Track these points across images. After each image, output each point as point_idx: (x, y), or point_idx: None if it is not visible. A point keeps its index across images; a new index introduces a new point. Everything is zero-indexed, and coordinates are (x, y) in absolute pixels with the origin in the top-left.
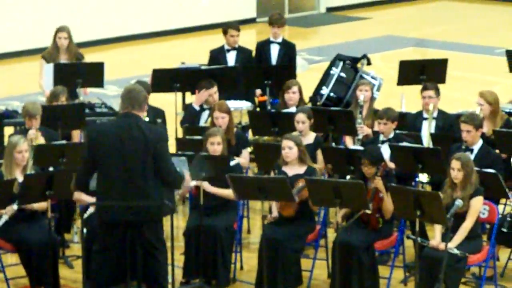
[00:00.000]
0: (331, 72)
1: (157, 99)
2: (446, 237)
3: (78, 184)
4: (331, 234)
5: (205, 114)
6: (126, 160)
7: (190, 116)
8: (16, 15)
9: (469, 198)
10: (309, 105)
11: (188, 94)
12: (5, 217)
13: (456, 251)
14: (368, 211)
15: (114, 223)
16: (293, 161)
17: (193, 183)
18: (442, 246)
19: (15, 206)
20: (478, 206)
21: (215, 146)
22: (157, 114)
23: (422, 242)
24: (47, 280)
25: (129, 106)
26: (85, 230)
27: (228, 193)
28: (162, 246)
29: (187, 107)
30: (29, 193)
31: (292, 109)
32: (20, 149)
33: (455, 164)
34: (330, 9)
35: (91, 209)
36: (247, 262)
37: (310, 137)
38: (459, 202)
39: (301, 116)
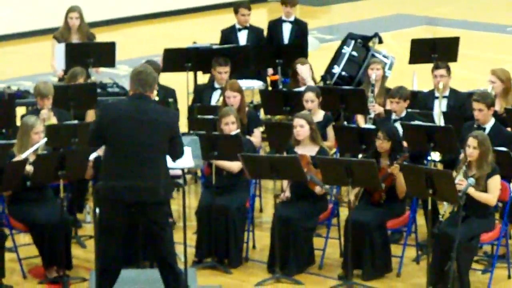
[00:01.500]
0: (343, 51)
1: (168, 79)
2: (457, 216)
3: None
4: (344, 213)
5: (217, 93)
6: (138, 141)
7: (196, 94)
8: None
9: (486, 178)
10: (320, 83)
11: (199, 73)
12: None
13: (470, 181)
14: (381, 190)
15: (122, 203)
16: (305, 140)
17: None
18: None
19: (43, 141)
20: (497, 185)
21: (230, 125)
22: (168, 93)
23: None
24: (59, 259)
25: (140, 88)
26: (97, 210)
27: (237, 166)
28: (168, 226)
29: (196, 88)
30: (41, 173)
31: (303, 88)
32: (37, 130)
33: (471, 141)
34: None
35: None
36: (259, 241)
37: (319, 115)
38: (471, 181)
39: (309, 95)
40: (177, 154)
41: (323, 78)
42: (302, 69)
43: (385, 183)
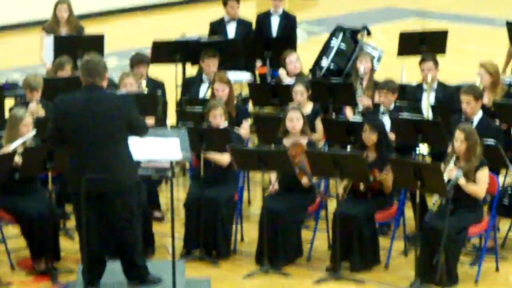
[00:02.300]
0: (331, 43)
1: (157, 71)
2: (445, 209)
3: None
4: (332, 206)
5: (205, 86)
6: (95, 133)
7: (184, 87)
8: None
9: (474, 171)
10: (309, 76)
11: (188, 65)
12: (19, 141)
13: (458, 173)
14: (371, 180)
15: (87, 195)
16: (295, 133)
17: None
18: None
19: (32, 133)
20: (485, 178)
21: (218, 118)
22: (157, 86)
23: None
24: (48, 251)
25: (90, 78)
26: None
27: (226, 159)
28: (133, 219)
29: (184, 81)
30: (30, 165)
31: (291, 81)
32: (26, 123)
33: (459, 134)
34: None
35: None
36: (247, 233)
37: (308, 108)
38: (459, 173)
39: (299, 87)
40: (140, 133)
41: (312, 70)
42: (292, 60)
43: (374, 185)
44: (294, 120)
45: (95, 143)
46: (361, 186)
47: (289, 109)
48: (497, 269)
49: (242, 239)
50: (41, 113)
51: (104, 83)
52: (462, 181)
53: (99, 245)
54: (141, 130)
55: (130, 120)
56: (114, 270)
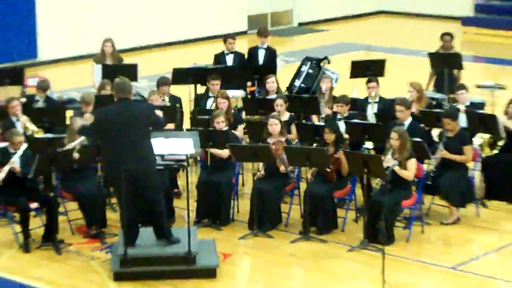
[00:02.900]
0: (302, 69)
1: (176, 90)
2: (385, 188)
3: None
4: (303, 187)
5: (211, 100)
6: (128, 129)
7: (196, 101)
8: (76, 30)
9: (405, 160)
10: (286, 93)
11: (198, 86)
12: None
13: (394, 162)
14: (328, 169)
15: (122, 174)
16: (276, 134)
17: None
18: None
19: (81, 139)
20: (413, 166)
21: (220, 123)
22: (176, 100)
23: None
24: (97, 220)
25: (121, 94)
26: None
27: (226, 153)
28: (159, 193)
29: (195, 97)
30: (84, 158)
31: (273, 96)
32: None
33: (393, 135)
34: (301, 24)
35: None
36: (242, 207)
37: (286, 116)
38: (395, 162)
39: (279, 101)
40: (159, 127)
41: (288, 89)
42: (271, 81)
43: (334, 165)
44: (273, 125)
45: (126, 139)
46: (334, 177)
47: (269, 117)
48: (422, 231)
49: (238, 211)
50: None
51: (130, 97)
52: (397, 168)
53: (134, 215)
54: (159, 126)
55: (150, 119)
56: (145, 234)
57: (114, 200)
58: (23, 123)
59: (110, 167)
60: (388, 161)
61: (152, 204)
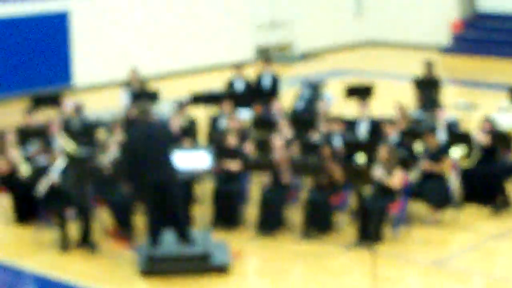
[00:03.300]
0: (302, 93)
1: (192, 112)
2: (374, 195)
3: (120, 170)
4: (303, 194)
5: (223, 120)
6: (152, 148)
7: (210, 121)
8: (106, 59)
9: (392, 171)
10: (288, 114)
11: (212, 108)
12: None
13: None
14: (324, 180)
15: (149, 184)
16: (279, 150)
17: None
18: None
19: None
20: (399, 176)
21: (231, 141)
22: (192, 121)
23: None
24: (127, 225)
25: (145, 117)
26: None
27: (236, 166)
28: (180, 201)
29: (210, 118)
30: (115, 171)
31: (277, 117)
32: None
33: (381, 150)
34: (301, 53)
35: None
36: (251, 212)
37: (288, 134)
38: (383, 173)
39: (282, 121)
40: (177, 144)
41: (290, 110)
42: (275, 107)
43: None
44: (274, 142)
45: (151, 156)
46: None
47: (272, 135)
48: (407, 232)
49: (247, 216)
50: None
51: (152, 119)
52: (384, 177)
53: (159, 220)
54: (177, 144)
55: (170, 139)
56: (167, 237)
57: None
58: (61, 141)
59: (138, 179)
60: (378, 171)
61: (174, 210)
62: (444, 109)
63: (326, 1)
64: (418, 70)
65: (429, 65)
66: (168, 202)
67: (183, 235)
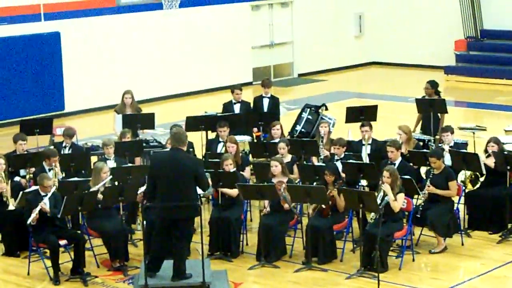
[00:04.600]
0: (302, 115)
1: (189, 136)
2: (378, 221)
3: (148, 196)
4: (305, 221)
5: (221, 145)
6: (174, 179)
7: (207, 145)
8: (98, 84)
9: (396, 194)
10: (288, 137)
11: (209, 132)
12: (101, 184)
13: (387, 198)
14: (324, 206)
15: (165, 218)
16: (278, 174)
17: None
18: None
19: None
20: (401, 199)
21: (229, 166)
22: (189, 145)
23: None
24: (120, 255)
25: (176, 143)
26: (144, 222)
27: (235, 192)
28: (185, 237)
29: (207, 142)
30: (108, 198)
31: (277, 140)
32: (105, 171)
33: (385, 173)
34: (300, 75)
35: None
36: (250, 240)
37: (288, 158)
38: (388, 198)
39: (282, 144)
40: (203, 187)
41: (290, 133)
42: (276, 128)
43: (330, 201)
44: (273, 166)
45: (173, 184)
46: (329, 213)
47: (271, 159)
48: (413, 259)
49: (247, 244)
50: (114, 165)
51: (184, 148)
52: (390, 202)
53: (162, 249)
54: (203, 185)
55: (196, 175)
56: (164, 266)
57: (135, 236)
58: (55, 171)
59: (157, 206)
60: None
61: (179, 244)
62: (450, 132)
63: (327, 22)
64: (421, 91)
65: (428, 86)
66: (176, 235)
67: (179, 273)
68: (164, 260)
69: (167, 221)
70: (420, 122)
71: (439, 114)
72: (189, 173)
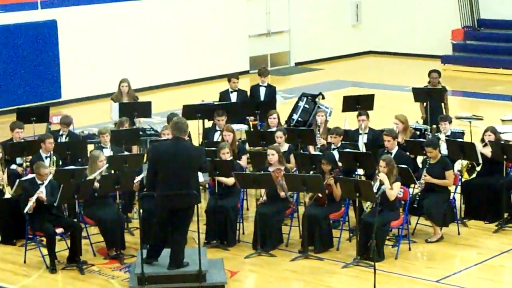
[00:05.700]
0: (299, 104)
1: None
2: (375, 210)
3: (147, 185)
4: (301, 210)
5: (217, 133)
6: (177, 169)
7: (204, 134)
8: (95, 72)
9: (392, 183)
10: (285, 126)
11: (206, 121)
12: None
13: (384, 187)
14: (320, 195)
15: (165, 207)
16: (275, 163)
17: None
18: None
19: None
20: (397, 188)
21: (226, 154)
22: None
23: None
24: (117, 243)
25: (178, 133)
26: (141, 211)
27: (231, 181)
28: (186, 227)
29: (204, 130)
30: (104, 187)
31: (273, 129)
32: (101, 159)
33: (382, 163)
34: (297, 64)
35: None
36: (246, 229)
37: (285, 147)
38: (384, 187)
39: (279, 133)
40: (205, 171)
41: (287, 122)
42: (273, 116)
43: (327, 190)
44: (270, 155)
45: (175, 174)
46: (326, 202)
47: (268, 148)
48: (409, 249)
49: (243, 232)
50: (110, 153)
51: (185, 137)
52: (386, 190)
53: (162, 237)
54: (206, 169)
55: (200, 163)
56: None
57: (131, 225)
58: (52, 159)
59: (158, 195)
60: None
61: (178, 233)
62: (448, 121)
63: (324, 11)
64: (418, 79)
65: (435, 75)
66: (175, 223)
67: (177, 260)
68: (163, 248)
69: (168, 211)
70: (420, 111)
71: (442, 104)
72: (195, 164)
